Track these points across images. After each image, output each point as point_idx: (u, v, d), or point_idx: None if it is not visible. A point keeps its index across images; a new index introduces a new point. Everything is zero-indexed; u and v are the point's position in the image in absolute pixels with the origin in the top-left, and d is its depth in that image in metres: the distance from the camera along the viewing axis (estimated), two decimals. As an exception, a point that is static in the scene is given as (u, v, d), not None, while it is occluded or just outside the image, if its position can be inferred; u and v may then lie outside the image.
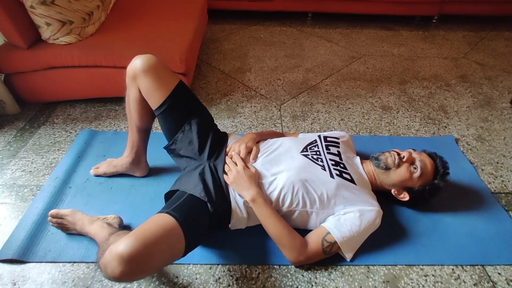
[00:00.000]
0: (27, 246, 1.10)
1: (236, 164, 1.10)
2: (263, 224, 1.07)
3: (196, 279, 1.05)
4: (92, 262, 1.08)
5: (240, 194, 1.06)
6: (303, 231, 1.10)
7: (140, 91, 1.12)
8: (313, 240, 1.06)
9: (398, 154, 1.17)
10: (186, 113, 1.16)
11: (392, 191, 1.20)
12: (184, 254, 0.93)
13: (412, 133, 1.72)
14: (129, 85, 1.15)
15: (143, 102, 1.15)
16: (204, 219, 1.01)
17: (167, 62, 1.65)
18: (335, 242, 1.04)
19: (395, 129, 1.74)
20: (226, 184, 1.09)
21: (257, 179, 1.08)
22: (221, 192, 1.07)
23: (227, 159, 1.14)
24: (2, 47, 1.61)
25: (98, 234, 1.05)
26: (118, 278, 0.79)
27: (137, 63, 1.09)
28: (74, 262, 1.07)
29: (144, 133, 1.27)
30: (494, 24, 3.02)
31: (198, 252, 1.11)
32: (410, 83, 2.14)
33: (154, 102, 1.12)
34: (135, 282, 1.03)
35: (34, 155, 1.49)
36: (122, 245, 0.79)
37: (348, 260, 1.09)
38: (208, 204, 1.02)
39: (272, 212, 1.05)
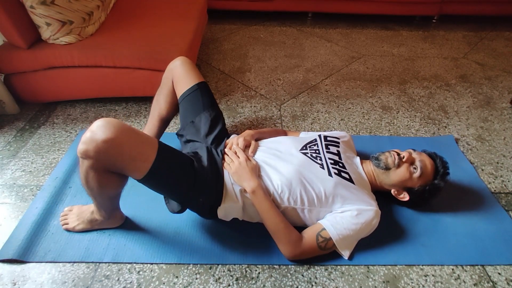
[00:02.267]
0: (27, 246, 1.10)
1: (238, 156, 1.11)
2: (261, 216, 1.07)
3: (196, 279, 1.05)
4: (92, 262, 1.08)
5: (241, 185, 1.07)
6: (301, 229, 1.10)
7: (173, 80, 1.30)
8: (308, 234, 1.07)
9: (398, 154, 1.17)
10: (204, 104, 1.27)
11: (392, 191, 1.20)
12: (148, 173, 0.91)
13: (412, 133, 1.72)
14: (165, 77, 1.35)
15: (173, 94, 1.33)
16: (184, 170, 1.01)
17: (167, 62, 1.65)
18: (330, 238, 1.05)
19: (395, 129, 1.74)
20: (222, 165, 1.11)
21: (257, 172, 1.09)
22: (215, 168, 1.09)
23: (228, 151, 1.15)
24: (2, 47, 1.61)
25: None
26: (86, 141, 0.84)
27: (177, 59, 1.34)
28: (74, 262, 1.07)
29: (163, 124, 1.39)
30: (494, 24, 3.02)
31: (198, 252, 1.11)
32: (410, 83, 2.14)
33: (182, 88, 1.28)
34: (135, 281, 1.03)
35: (34, 155, 1.49)
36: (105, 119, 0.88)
37: (346, 258, 1.09)
38: (195, 162, 1.04)
39: (271, 206, 1.05)
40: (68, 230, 1.16)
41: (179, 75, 1.29)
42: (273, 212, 1.05)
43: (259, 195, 1.05)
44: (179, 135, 1.31)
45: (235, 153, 1.13)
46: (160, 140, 1.01)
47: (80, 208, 1.19)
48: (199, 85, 1.28)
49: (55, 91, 1.73)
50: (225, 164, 1.11)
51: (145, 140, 0.93)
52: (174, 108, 1.36)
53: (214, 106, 1.31)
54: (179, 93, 1.30)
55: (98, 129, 0.84)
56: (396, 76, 2.21)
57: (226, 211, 1.09)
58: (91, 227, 1.15)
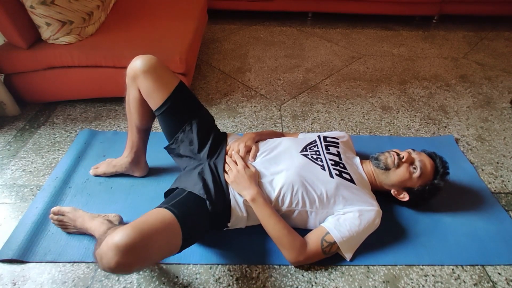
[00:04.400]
0: (27, 246, 1.10)
1: (237, 164, 1.10)
2: (263, 224, 1.07)
3: (196, 279, 1.05)
4: (92, 262, 1.08)
5: (240, 194, 1.06)
6: (303, 231, 1.10)
7: (140, 91, 1.13)
8: (313, 240, 1.06)
9: (398, 154, 1.17)
10: (186, 113, 1.17)
11: (392, 191, 1.20)
12: (181, 250, 0.94)
13: (412, 133, 1.72)
14: (129, 85, 1.16)
15: (143, 103, 1.16)
16: (203, 217, 1.02)
17: (167, 62, 1.65)
18: (334, 242, 1.04)
19: (395, 129, 1.74)
20: (226, 183, 1.09)
21: (257, 179, 1.09)
22: (220, 190, 1.07)
23: (227, 159, 1.14)
24: (2, 47, 1.61)
25: (98, 229, 1.05)
26: (114, 269, 0.78)
27: (137, 64, 1.09)
28: (74, 262, 1.07)
29: (144, 133, 1.27)
30: (494, 24, 3.02)
31: (198, 252, 1.11)
32: (410, 83, 2.14)
33: (154, 102, 1.13)
34: (135, 281, 1.03)
35: (34, 155, 1.49)
36: (119, 235, 0.79)
37: (348, 259, 1.09)
38: (207, 202, 1.02)
39: (272, 212, 1.05)
40: (67, 233, 1.16)
41: (147, 89, 1.10)
42: (275, 219, 1.05)
43: (260, 203, 1.04)
44: (169, 149, 1.22)
45: (235, 161, 1.11)
46: (170, 207, 0.94)
47: (74, 221, 1.13)
48: (174, 95, 1.12)
49: (55, 91, 1.73)
50: (224, 174, 1.10)
51: (167, 235, 0.90)
52: (149, 118, 1.22)
53: (199, 110, 1.20)
54: (152, 106, 1.14)
55: (122, 257, 0.77)
56: (396, 76, 2.21)
57: (232, 224, 1.10)
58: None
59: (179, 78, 1.17)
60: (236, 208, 1.07)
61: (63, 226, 1.15)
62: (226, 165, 1.12)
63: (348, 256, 1.08)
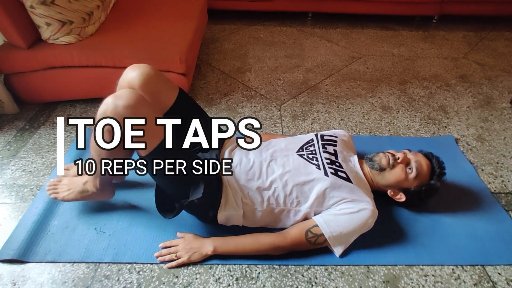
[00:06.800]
0: (27, 246, 1.10)
1: (170, 248, 1.10)
2: (238, 253, 1.09)
3: (196, 279, 1.05)
4: (92, 262, 1.08)
5: (202, 255, 1.07)
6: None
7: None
8: (295, 230, 1.08)
9: (393, 155, 1.17)
10: (187, 124, 1.15)
11: (388, 192, 1.20)
12: (154, 150, 0.93)
13: (412, 133, 1.72)
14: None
15: None
16: (190, 152, 1.04)
17: (167, 62, 1.65)
18: (322, 234, 1.05)
19: (395, 129, 1.74)
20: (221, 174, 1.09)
21: (192, 237, 1.11)
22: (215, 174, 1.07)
23: (162, 257, 1.08)
24: (2, 47, 1.61)
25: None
26: (108, 103, 0.92)
27: (134, 77, 1.06)
28: (74, 262, 1.07)
29: None
30: (494, 24, 3.02)
31: (198, 252, 1.11)
32: (410, 83, 2.14)
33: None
34: (135, 281, 1.03)
35: (34, 155, 1.49)
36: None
37: (337, 255, 1.09)
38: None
39: (236, 241, 1.08)
40: (56, 199, 1.17)
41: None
42: (243, 242, 1.08)
43: (221, 246, 1.07)
44: None
45: (170, 250, 1.09)
46: None
47: (71, 179, 1.18)
48: (173, 109, 1.12)
49: (55, 91, 1.73)
50: (174, 263, 1.07)
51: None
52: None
53: (202, 116, 1.20)
54: None
55: (122, 95, 0.91)
56: (396, 76, 2.21)
57: (227, 218, 1.10)
58: (81, 198, 1.16)
59: (178, 85, 1.15)
60: (232, 200, 1.07)
61: (54, 190, 1.17)
62: (168, 256, 1.08)
63: (337, 251, 1.09)
